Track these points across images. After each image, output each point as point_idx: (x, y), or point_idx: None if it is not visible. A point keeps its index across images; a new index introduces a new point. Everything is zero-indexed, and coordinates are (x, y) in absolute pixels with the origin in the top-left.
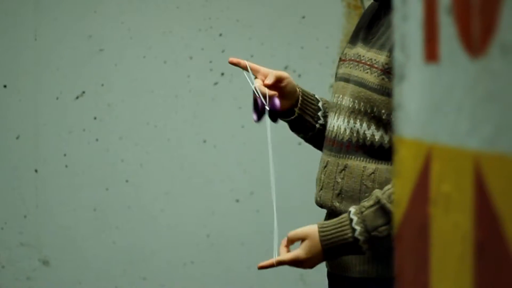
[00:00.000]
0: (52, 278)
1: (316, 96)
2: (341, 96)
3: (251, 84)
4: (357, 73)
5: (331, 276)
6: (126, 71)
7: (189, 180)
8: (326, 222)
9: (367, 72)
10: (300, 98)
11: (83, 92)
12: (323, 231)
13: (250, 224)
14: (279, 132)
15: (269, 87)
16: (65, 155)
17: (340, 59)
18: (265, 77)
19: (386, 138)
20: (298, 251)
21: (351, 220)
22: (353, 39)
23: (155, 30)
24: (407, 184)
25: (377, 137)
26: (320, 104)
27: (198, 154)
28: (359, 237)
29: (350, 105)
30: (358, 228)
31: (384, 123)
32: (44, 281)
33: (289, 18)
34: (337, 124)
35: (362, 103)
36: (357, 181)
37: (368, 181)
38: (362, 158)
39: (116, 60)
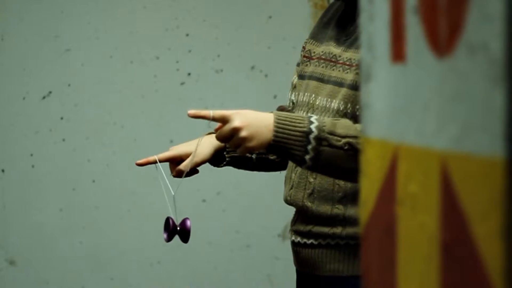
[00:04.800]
0: (19, 278)
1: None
2: (313, 95)
3: (167, 200)
4: (336, 73)
5: (300, 275)
6: (92, 71)
7: (156, 180)
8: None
9: (346, 72)
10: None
11: (50, 92)
12: (279, 115)
13: (216, 224)
14: None
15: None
16: (31, 155)
17: (305, 56)
18: (181, 158)
19: None
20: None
21: (310, 117)
22: (319, 36)
23: (122, 30)
24: (373, 184)
25: None
26: None
27: None
28: (314, 130)
29: (327, 105)
30: (316, 123)
31: (359, 120)
32: (11, 281)
33: (256, 18)
34: None
35: (341, 102)
36: (330, 181)
37: (341, 181)
38: None
39: (82, 60)
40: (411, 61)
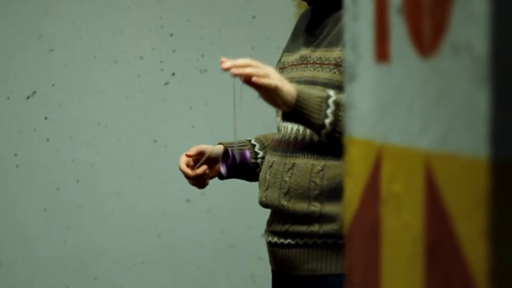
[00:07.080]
0: (3, 278)
1: (244, 139)
2: None
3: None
4: (307, 73)
5: (277, 276)
6: (76, 71)
7: (140, 180)
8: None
9: (318, 71)
10: (230, 150)
11: (34, 92)
12: (300, 92)
13: (201, 224)
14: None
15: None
16: (16, 155)
17: (280, 68)
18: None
19: None
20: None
21: (328, 90)
22: (292, 47)
23: (106, 30)
24: (358, 184)
25: None
26: (253, 141)
27: (149, 154)
28: (332, 95)
29: None
30: (333, 93)
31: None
32: None
33: (240, 18)
34: (283, 124)
35: None
36: (305, 179)
37: (317, 178)
38: (310, 156)
39: (66, 60)
40: (395, 61)
